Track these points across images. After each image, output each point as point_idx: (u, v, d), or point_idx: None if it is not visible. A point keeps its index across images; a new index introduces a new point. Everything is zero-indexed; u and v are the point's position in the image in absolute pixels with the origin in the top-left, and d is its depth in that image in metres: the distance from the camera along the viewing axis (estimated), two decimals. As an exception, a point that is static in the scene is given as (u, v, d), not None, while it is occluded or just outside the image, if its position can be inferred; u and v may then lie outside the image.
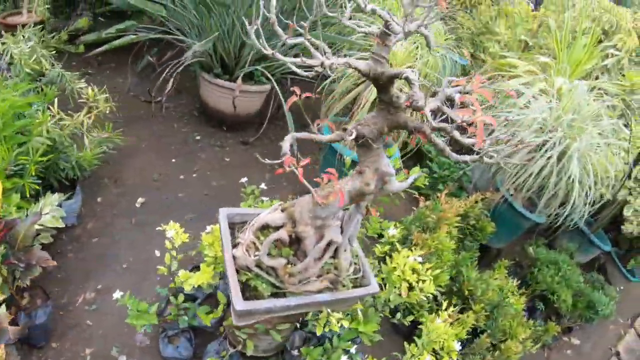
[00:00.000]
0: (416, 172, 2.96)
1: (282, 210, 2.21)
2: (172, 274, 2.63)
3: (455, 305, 3.24)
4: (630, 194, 4.41)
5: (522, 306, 3.43)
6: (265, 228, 2.21)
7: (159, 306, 2.94)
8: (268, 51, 1.73)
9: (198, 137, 4.22)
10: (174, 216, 3.55)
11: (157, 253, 3.20)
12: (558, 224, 3.92)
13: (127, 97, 4.44)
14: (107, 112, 3.47)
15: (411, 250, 2.68)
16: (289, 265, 2.12)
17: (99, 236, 3.41)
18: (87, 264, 3.23)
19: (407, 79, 1.80)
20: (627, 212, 4.36)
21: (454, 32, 5.45)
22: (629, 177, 4.34)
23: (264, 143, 4.30)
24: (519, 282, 4.04)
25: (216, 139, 4.24)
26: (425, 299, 2.78)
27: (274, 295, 2.08)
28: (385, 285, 2.73)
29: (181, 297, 2.65)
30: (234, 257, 2.14)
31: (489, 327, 3.29)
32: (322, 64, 1.74)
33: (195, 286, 2.50)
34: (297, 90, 1.86)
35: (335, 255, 2.23)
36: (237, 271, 2.09)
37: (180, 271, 2.57)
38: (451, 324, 3.03)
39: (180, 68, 3.71)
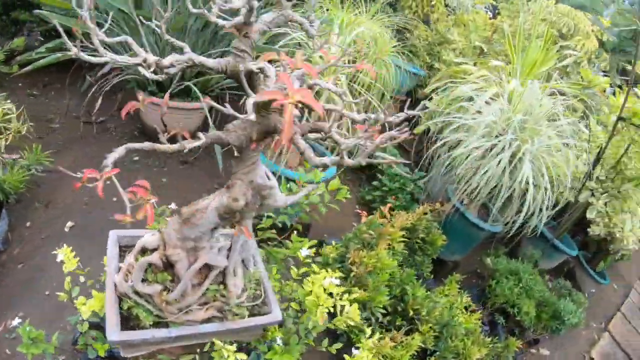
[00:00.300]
0: (335, 186, 2.37)
1: (159, 232, 1.79)
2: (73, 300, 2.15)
3: (400, 327, 2.70)
4: (593, 195, 3.81)
5: (473, 324, 2.84)
6: (144, 252, 1.84)
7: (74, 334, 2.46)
8: (71, 51, 1.31)
9: (136, 158, 3.68)
10: (103, 239, 3.02)
11: (82, 279, 2.72)
12: (518, 231, 3.34)
13: (69, 118, 3.92)
14: (23, 132, 2.97)
15: (327, 271, 2.12)
16: (165, 292, 1.72)
17: (25, 261, 2.93)
18: (11, 290, 2.77)
19: (261, 71, 1.43)
20: (590, 214, 3.76)
21: (406, 42, 4.94)
22: (590, 177, 3.74)
23: (204, 162, 3.76)
24: (479, 294, 3.49)
25: (155, 158, 3.70)
26: (354, 323, 2.21)
27: (157, 324, 1.72)
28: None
29: (85, 325, 2.14)
30: (115, 283, 1.77)
31: (439, 349, 2.71)
32: (144, 62, 1.37)
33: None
34: (140, 95, 1.45)
35: (223, 281, 1.82)
36: (121, 298, 1.75)
37: (79, 297, 2.08)
38: (395, 346, 2.48)
39: (108, 87, 3.19)
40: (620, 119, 3.44)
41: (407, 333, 2.69)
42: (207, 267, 1.75)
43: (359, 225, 2.87)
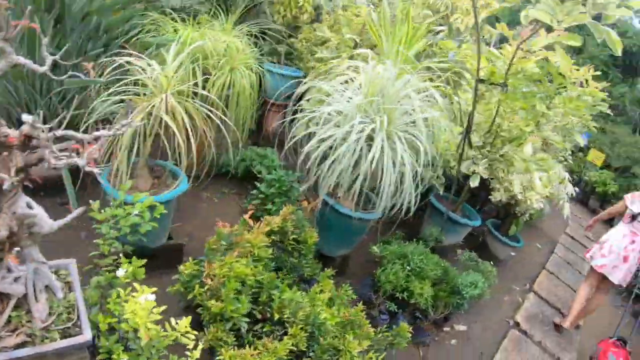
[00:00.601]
0: (148, 203, 2.13)
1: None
2: None
3: (271, 333, 2.49)
4: (474, 163, 3.60)
5: (339, 317, 2.59)
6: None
7: None
8: None
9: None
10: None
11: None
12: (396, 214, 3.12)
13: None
14: None
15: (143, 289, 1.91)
16: (-26, 323, 1.73)
17: None
18: None
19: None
20: (473, 183, 3.55)
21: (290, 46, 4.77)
22: (470, 146, 3.54)
23: (84, 201, 3.51)
24: (372, 284, 3.26)
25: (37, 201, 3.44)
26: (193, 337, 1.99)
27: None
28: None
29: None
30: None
31: (314, 349, 2.47)
32: None
33: None
34: None
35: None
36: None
37: None
38: (259, 354, 2.27)
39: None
40: (479, 80, 3.25)
41: (281, 338, 2.46)
42: (7, 296, 1.74)
43: (209, 239, 2.63)
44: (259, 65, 4.00)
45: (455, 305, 3.29)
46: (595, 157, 7.36)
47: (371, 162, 2.69)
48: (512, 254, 4.98)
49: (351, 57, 4.15)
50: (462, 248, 4.36)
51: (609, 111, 4.80)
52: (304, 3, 4.39)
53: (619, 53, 2.46)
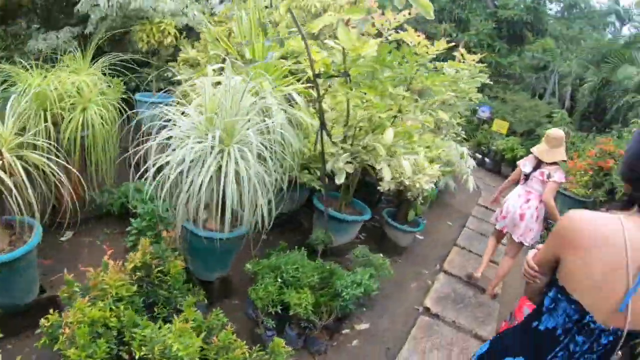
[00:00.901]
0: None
1: None
2: None
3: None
4: (337, 159, 3.71)
5: (191, 349, 2.65)
6: None
7: None
8: None
9: None
10: None
11: None
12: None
13: None
14: None
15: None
16: None
17: None
18: None
19: None
20: (338, 180, 3.63)
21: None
22: (334, 143, 3.64)
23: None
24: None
25: None
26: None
27: None
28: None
29: None
30: None
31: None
32: None
33: None
34: None
35: None
36: None
37: None
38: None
39: None
40: (316, 75, 3.32)
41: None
42: None
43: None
44: (129, 97, 4.07)
45: (341, 307, 3.34)
46: (500, 126, 7.70)
47: (202, 181, 2.78)
48: (420, 237, 5.14)
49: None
50: (364, 244, 4.49)
51: (488, 81, 5.04)
52: (166, 26, 4.45)
53: (432, 16, 2.53)
